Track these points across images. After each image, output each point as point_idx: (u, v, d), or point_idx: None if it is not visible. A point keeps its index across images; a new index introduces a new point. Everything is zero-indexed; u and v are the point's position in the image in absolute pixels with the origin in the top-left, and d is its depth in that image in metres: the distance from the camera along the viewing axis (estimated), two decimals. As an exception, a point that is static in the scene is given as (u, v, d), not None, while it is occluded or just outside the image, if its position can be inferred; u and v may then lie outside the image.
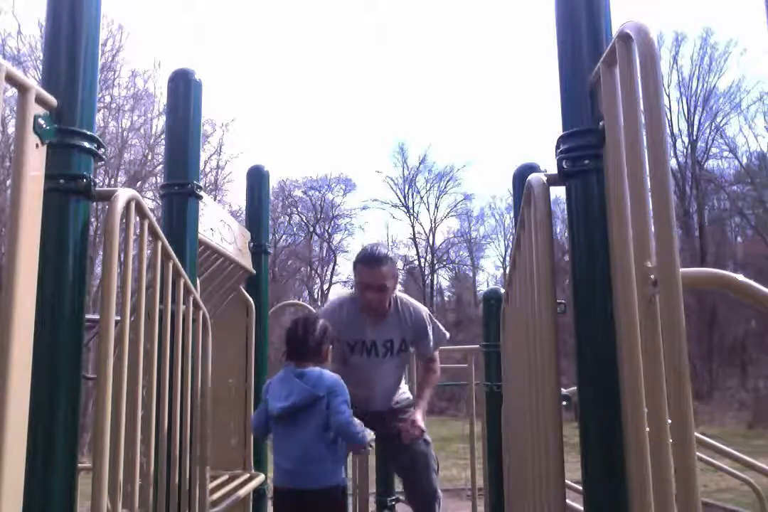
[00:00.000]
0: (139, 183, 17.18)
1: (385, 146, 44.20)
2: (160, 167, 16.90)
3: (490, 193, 44.22)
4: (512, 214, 3.63)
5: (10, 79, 1.19)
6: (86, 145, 1.53)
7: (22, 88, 1.26)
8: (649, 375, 1.08)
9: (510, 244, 18.26)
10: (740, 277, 1.20)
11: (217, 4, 40.38)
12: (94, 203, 1.63)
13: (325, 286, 30.43)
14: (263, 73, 43.67)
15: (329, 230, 31.40)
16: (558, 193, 1.64)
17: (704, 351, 21.70)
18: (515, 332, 2.20)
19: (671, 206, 1.04)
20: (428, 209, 31.73)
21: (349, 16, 43.06)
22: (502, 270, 29.99)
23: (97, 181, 1.59)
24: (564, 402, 1.61)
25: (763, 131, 26.20)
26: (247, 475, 3.23)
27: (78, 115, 1.53)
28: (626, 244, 1.21)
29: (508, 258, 25.47)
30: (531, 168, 2.85)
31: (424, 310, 3.21)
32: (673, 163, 23.70)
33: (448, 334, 3.30)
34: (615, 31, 1.21)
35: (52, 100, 1.42)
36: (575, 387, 1.49)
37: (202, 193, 2.51)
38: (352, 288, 3.14)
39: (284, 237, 30.19)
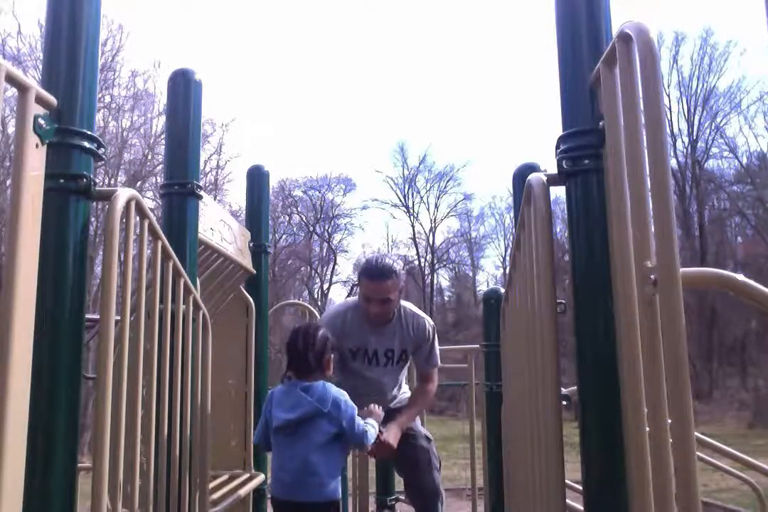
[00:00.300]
0: (139, 183, 17.19)
1: (385, 146, 44.40)
2: (160, 167, 16.91)
3: (490, 193, 44.48)
4: (512, 214, 3.63)
5: (10, 79, 1.19)
6: (86, 144, 1.53)
7: (22, 88, 1.26)
8: (649, 375, 1.08)
9: (510, 244, 18.26)
10: (740, 277, 1.20)
11: (217, 4, 40.40)
12: (94, 203, 1.63)
13: (325, 286, 30.51)
14: (263, 73, 43.73)
15: (329, 230, 31.45)
16: (558, 192, 1.64)
17: (704, 351, 21.72)
18: (515, 332, 2.20)
19: (671, 206, 1.04)
20: (428, 209, 31.82)
21: (349, 17, 43.11)
22: (502, 270, 30.05)
23: (97, 180, 1.59)
24: (564, 402, 1.61)
25: (763, 131, 26.29)
26: (247, 475, 3.22)
27: (78, 115, 1.53)
28: (626, 243, 1.20)
29: (508, 258, 25.47)
30: (531, 168, 2.85)
31: (429, 323, 3.10)
32: (673, 162, 23.70)
33: (439, 363, 3.21)
34: (615, 31, 1.21)
35: (52, 100, 1.42)
36: (575, 387, 1.49)
37: (202, 193, 2.51)
38: (354, 290, 3.11)
39: (284, 237, 30.26)
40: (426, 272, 31.19)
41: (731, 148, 25.16)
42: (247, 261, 3.36)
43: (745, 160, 25.45)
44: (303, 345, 2.41)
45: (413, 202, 31.74)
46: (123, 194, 1.55)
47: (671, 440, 1.01)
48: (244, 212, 4.06)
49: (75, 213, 1.51)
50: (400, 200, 31.74)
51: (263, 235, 3.71)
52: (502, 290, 3.36)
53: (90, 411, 9.05)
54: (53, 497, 1.42)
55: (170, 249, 1.96)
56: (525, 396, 1.87)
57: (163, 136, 13.57)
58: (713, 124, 25.29)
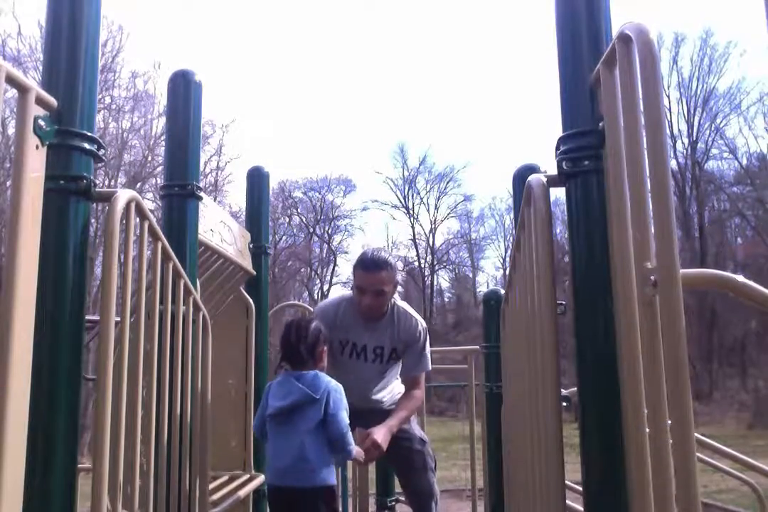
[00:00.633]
0: (139, 184, 17.19)
1: (385, 147, 44.38)
2: (160, 168, 16.90)
3: (490, 194, 44.36)
4: (512, 215, 3.63)
5: (11, 80, 1.19)
6: (86, 146, 1.53)
7: (22, 89, 1.26)
8: (649, 376, 1.08)
9: (510, 245, 18.25)
10: (740, 278, 1.20)
11: (217, 4, 40.43)
12: (94, 204, 1.63)
13: (325, 287, 30.48)
14: (263, 74, 43.76)
15: (329, 231, 31.44)
16: (558, 193, 1.64)
17: (704, 352, 21.72)
18: (515, 333, 2.20)
19: (671, 207, 1.04)
20: (428, 210, 31.81)
21: (349, 17, 43.13)
22: (502, 271, 30.03)
23: (97, 181, 1.59)
24: (564, 403, 1.61)
25: (763, 132, 26.25)
26: (248, 476, 3.22)
27: (78, 116, 1.53)
28: (626, 244, 1.21)
29: (508, 259, 25.46)
30: (531, 169, 2.84)
31: (421, 325, 3.05)
32: (673, 163, 23.72)
33: (429, 368, 3.13)
34: (615, 32, 1.21)
35: (53, 101, 1.42)
36: (575, 388, 1.49)
37: (202, 194, 2.51)
38: (351, 288, 3.09)
39: (284, 238, 30.25)
40: (426, 273, 31.19)
41: (731, 149, 25.19)
42: (247, 263, 3.36)
43: (745, 161, 25.49)
44: (296, 338, 2.47)
45: (413, 203, 31.76)
46: (123, 195, 1.55)
47: (671, 441, 1.01)
48: (244, 213, 4.06)
49: (75, 214, 1.51)
50: (400, 201, 31.76)
51: (263, 236, 3.71)
52: (502, 291, 3.36)
53: (90, 411, 9.04)
54: (53, 497, 1.42)
55: (170, 250, 1.96)
56: (525, 397, 1.87)
57: (163, 138, 13.58)
58: (713, 125, 25.31)
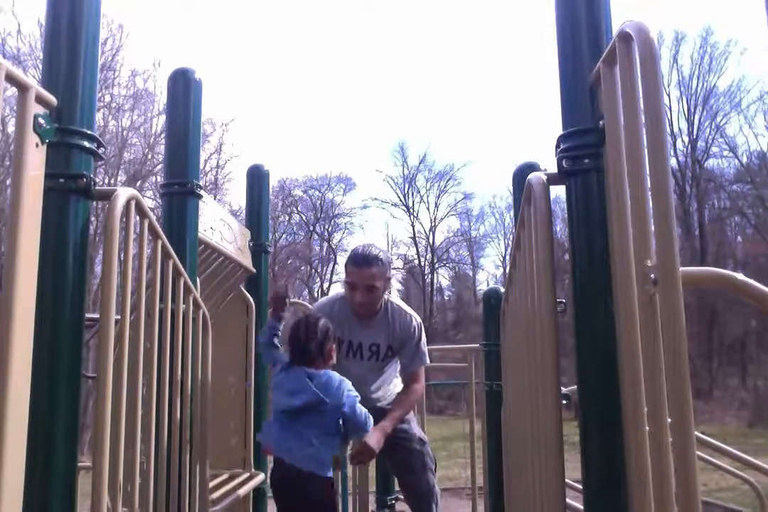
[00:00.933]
0: (139, 182, 17.19)
1: (385, 145, 44.02)
2: (160, 166, 16.90)
3: (490, 192, 44.29)
4: (512, 213, 3.63)
5: (10, 79, 1.19)
6: (86, 144, 1.53)
7: (22, 88, 1.26)
8: (649, 374, 1.08)
9: (510, 243, 18.25)
10: (740, 276, 1.20)
11: (217, 4, 40.39)
12: (94, 202, 1.63)
13: (326, 285, 30.49)
14: (263, 72, 43.73)
15: (329, 229, 31.45)
16: (558, 192, 1.64)
17: (704, 350, 21.73)
18: (515, 331, 2.20)
19: (671, 205, 1.04)
20: (428, 208, 31.79)
21: (349, 16, 43.10)
22: (502, 270, 30.03)
23: (97, 180, 1.59)
24: (564, 401, 1.61)
25: (764, 130, 26.20)
26: (247, 474, 3.22)
27: (78, 115, 1.53)
28: (626, 242, 1.20)
29: (508, 257, 25.47)
30: (531, 167, 2.84)
31: (416, 320, 3.05)
32: (673, 162, 23.70)
33: (428, 362, 3.15)
34: (615, 30, 1.21)
35: (52, 99, 1.42)
36: (575, 386, 1.49)
37: (202, 192, 2.51)
38: (343, 285, 3.09)
39: (284, 236, 30.25)
40: (426, 271, 31.19)
41: (731, 147, 25.17)
42: (247, 261, 3.36)
43: (745, 160, 25.46)
44: (305, 335, 2.51)
45: (413, 202, 31.74)
46: (123, 193, 1.55)
47: (671, 439, 1.02)
48: (244, 211, 4.06)
49: (75, 212, 1.51)
50: (400, 199, 31.73)
51: (263, 234, 3.71)
52: (502, 289, 3.36)
53: (90, 410, 9.05)
54: (53, 497, 1.42)
55: (170, 248, 1.96)
56: (525, 396, 1.87)
57: (163, 136, 13.57)
58: (713, 124, 25.29)
